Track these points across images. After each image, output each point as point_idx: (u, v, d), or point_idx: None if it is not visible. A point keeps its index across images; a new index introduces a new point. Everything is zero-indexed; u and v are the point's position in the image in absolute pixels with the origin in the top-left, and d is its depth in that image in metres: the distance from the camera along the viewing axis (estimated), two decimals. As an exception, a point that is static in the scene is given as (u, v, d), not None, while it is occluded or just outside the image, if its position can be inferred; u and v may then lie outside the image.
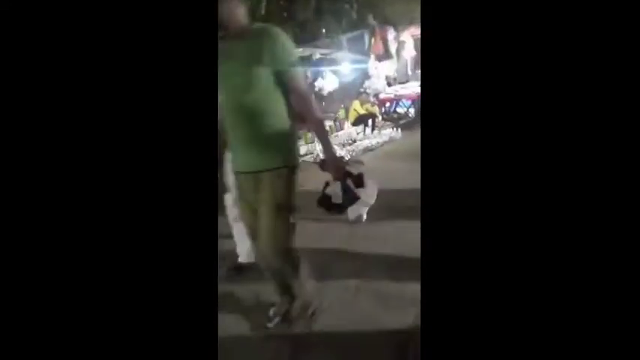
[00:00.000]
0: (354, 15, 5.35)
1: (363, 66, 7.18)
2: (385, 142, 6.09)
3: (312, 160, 5.05)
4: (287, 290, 1.63)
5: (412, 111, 8.08)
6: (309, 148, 5.40)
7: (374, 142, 5.88)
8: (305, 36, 6.66)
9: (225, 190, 1.97)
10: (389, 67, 8.20)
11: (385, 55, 7.44)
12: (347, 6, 5.01)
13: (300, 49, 5.76)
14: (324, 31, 5.67)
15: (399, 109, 8.43)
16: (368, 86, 7.23)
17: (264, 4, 3.87)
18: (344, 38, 6.94)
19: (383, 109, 8.52)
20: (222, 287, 1.25)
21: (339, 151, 5.18)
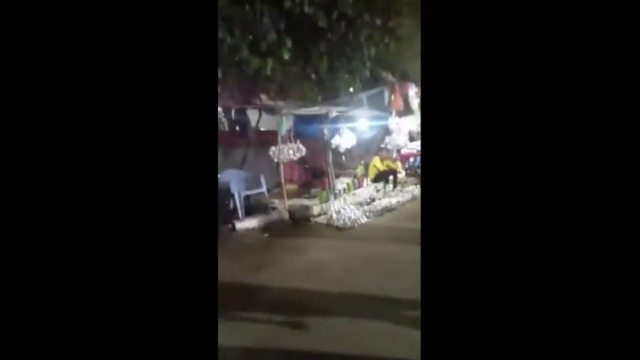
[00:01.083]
0: (367, 73, 5.30)
1: (383, 122, 7.02)
2: (407, 201, 5.67)
3: (325, 221, 4.72)
4: None
5: (438, 166, 7.67)
6: (323, 208, 5.08)
7: (394, 201, 5.48)
8: (326, 94, 6.70)
9: None
10: (411, 122, 8.00)
11: (406, 111, 7.27)
12: (360, 65, 4.96)
13: (317, 108, 5.71)
14: (341, 89, 5.64)
15: (423, 164, 8.08)
16: (388, 142, 6.99)
17: (269, 66, 3.84)
18: (364, 95, 6.90)
19: (407, 164, 8.19)
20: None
21: (356, 211, 4.82)
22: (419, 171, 7.99)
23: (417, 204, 5.56)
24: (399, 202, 5.50)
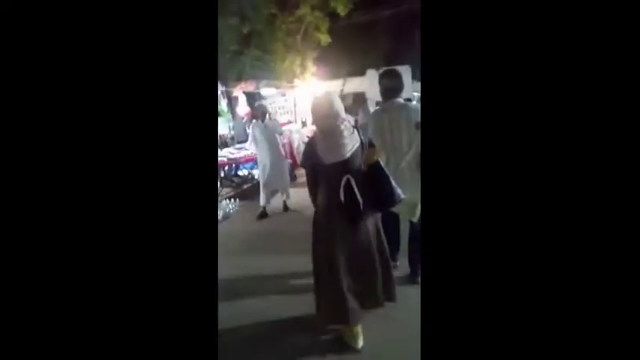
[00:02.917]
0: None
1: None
2: (218, 222, 4.62)
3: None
4: None
5: (256, 172, 6.95)
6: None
7: (200, 224, 4.35)
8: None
9: None
10: (222, 126, 7.02)
11: (211, 113, 6.25)
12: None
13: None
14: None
15: (240, 173, 7.21)
16: (193, 150, 5.78)
17: None
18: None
19: (222, 173, 7.17)
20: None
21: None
22: (235, 180, 7.10)
23: (232, 226, 4.59)
24: (206, 225, 4.39)
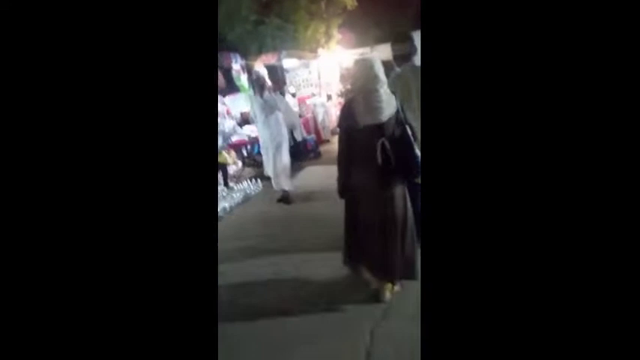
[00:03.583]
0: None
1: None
2: (238, 204, 4.44)
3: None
4: None
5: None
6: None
7: (220, 207, 4.18)
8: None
9: None
10: (243, 103, 6.73)
11: (231, 89, 5.94)
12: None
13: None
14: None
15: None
16: (212, 129, 5.56)
17: None
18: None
19: (245, 152, 6.94)
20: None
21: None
22: (258, 159, 6.86)
23: (252, 208, 4.39)
24: (225, 208, 4.22)
